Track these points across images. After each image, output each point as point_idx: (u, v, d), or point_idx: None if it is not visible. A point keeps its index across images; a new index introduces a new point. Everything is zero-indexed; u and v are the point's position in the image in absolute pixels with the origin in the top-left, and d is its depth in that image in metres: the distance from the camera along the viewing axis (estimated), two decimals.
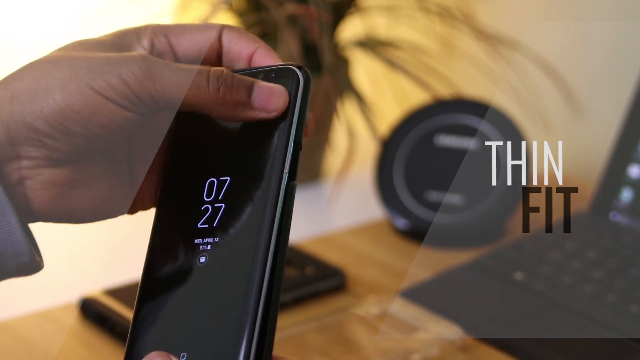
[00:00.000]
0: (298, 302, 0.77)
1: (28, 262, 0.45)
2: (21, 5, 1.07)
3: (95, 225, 0.99)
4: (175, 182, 0.50)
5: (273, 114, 0.47)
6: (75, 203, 0.47)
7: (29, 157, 0.45)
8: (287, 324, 0.73)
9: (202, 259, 0.48)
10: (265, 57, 0.49)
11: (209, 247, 0.48)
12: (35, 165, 0.45)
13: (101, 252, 0.91)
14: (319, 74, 0.96)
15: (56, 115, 0.44)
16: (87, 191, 0.47)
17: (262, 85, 0.47)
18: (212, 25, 0.50)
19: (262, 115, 0.47)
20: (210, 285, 0.47)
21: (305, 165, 1.01)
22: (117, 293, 0.76)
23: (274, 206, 0.48)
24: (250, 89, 0.47)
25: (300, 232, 0.91)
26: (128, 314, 0.72)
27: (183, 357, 0.47)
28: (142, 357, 0.46)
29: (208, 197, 0.49)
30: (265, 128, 0.48)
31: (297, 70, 0.49)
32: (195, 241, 0.48)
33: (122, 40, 0.48)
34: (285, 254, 0.47)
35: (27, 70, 0.45)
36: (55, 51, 0.47)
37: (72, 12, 1.08)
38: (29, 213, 0.46)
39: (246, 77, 0.47)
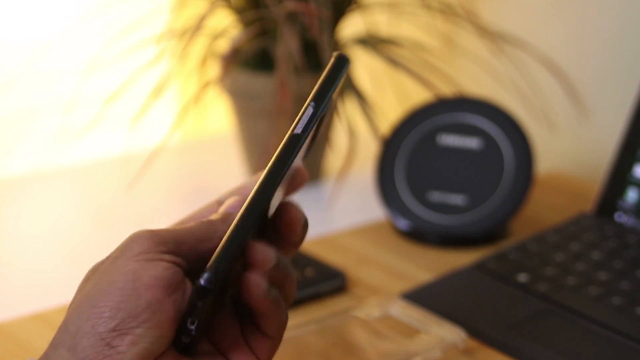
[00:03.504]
0: (298, 304, 0.76)
1: None
2: (19, 4, 1.06)
3: (93, 226, 0.99)
4: None
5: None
6: None
7: None
8: (287, 327, 0.72)
9: None
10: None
11: None
12: None
13: (99, 254, 0.90)
14: (319, 71, 0.95)
15: None
16: None
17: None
18: None
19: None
20: None
21: (305, 165, 1.00)
22: None
23: None
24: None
25: None
26: None
27: None
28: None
29: None
30: None
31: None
32: None
33: None
34: None
35: None
36: None
37: (68, 9, 1.08)
38: None
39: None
